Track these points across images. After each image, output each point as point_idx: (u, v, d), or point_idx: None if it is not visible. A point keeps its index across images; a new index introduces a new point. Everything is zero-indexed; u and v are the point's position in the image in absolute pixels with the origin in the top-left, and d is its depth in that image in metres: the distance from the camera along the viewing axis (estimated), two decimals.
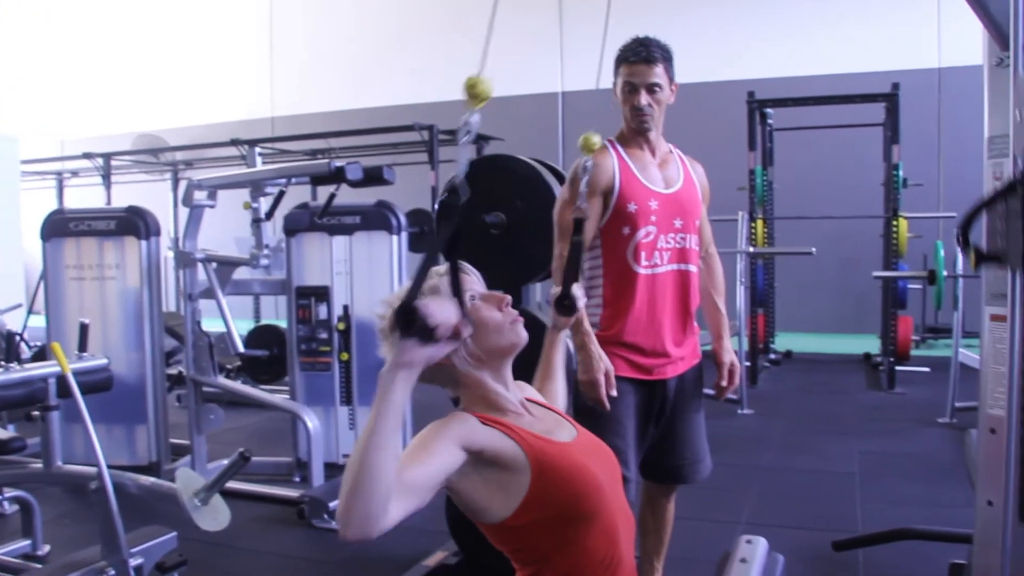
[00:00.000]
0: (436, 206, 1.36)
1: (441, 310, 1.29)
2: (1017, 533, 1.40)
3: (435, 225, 1.38)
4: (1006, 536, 1.47)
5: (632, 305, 2.51)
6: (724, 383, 2.71)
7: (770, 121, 8.27)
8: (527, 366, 1.80)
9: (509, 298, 1.54)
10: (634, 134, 2.60)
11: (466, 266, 1.54)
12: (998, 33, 1.56)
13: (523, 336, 1.53)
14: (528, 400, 1.61)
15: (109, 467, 2.67)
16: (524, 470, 1.42)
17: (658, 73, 2.50)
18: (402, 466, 1.28)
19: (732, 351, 2.74)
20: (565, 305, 1.88)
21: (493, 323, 1.50)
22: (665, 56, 2.52)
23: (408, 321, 1.24)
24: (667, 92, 2.55)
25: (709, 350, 2.74)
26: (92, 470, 2.69)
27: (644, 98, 2.51)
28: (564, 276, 1.97)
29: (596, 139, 2.01)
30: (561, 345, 1.93)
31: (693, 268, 2.63)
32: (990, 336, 1.73)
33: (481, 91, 1.27)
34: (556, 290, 1.91)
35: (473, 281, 1.54)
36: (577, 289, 1.90)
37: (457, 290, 1.39)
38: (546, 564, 1.47)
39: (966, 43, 1.71)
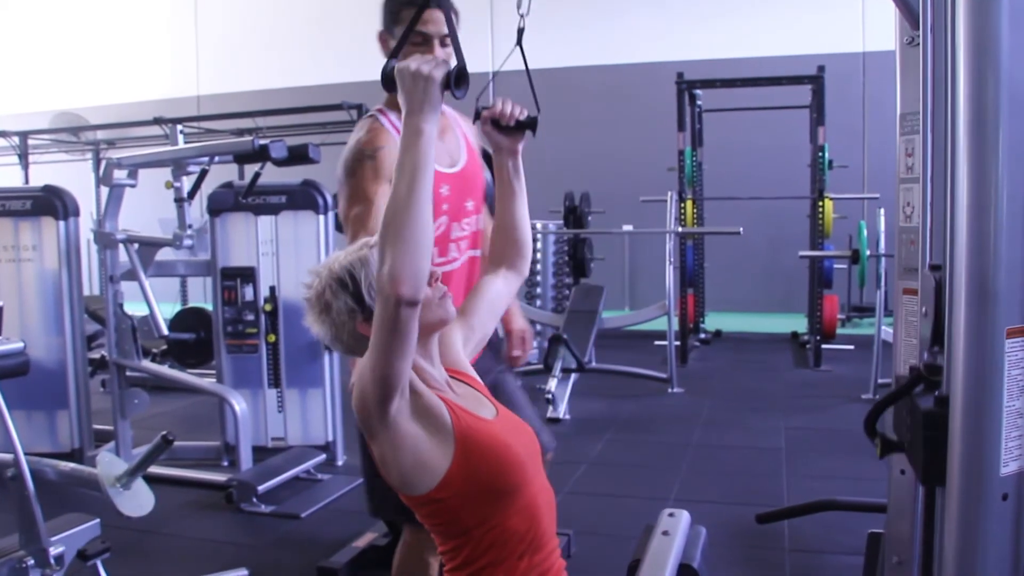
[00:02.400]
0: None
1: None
2: (927, 500, 1.44)
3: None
4: (916, 503, 1.52)
5: None
6: (517, 352, 2.50)
7: (699, 102, 8.33)
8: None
9: (440, 272, 1.53)
10: None
11: None
12: (909, 12, 1.59)
13: (452, 312, 1.52)
14: (451, 377, 1.61)
15: (30, 454, 2.61)
16: (449, 439, 1.43)
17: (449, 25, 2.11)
18: None
19: (523, 317, 2.55)
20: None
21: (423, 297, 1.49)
22: (454, 8, 2.18)
23: (461, 76, 1.40)
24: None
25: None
26: (8, 457, 2.61)
27: (440, 52, 2.12)
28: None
29: None
30: (511, 164, 1.72)
31: (480, 251, 2.38)
32: (902, 309, 1.77)
33: None
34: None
35: None
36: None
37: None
38: (467, 539, 1.47)
39: (888, 28, 1.74)
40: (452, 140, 2.31)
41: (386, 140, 2.13)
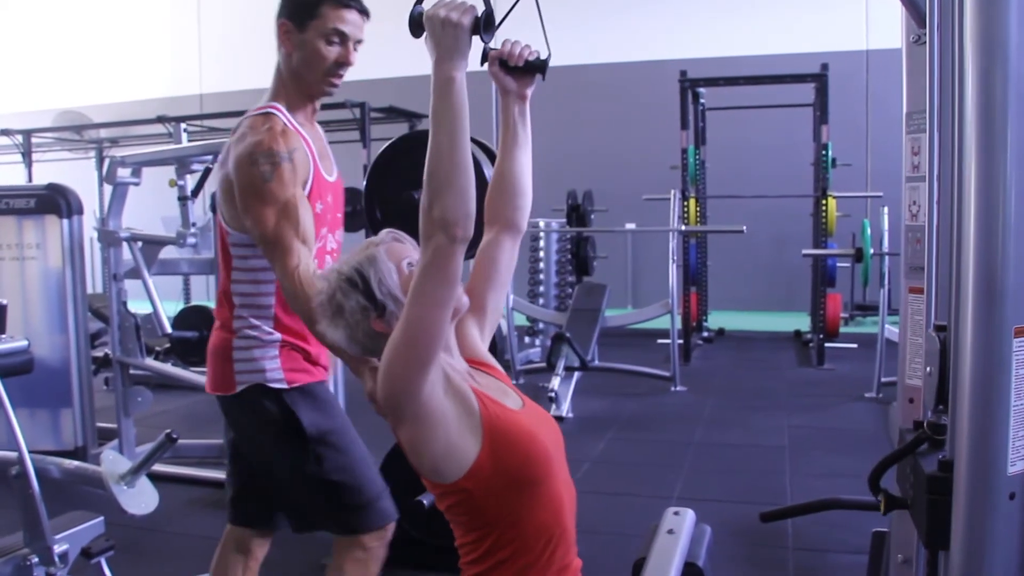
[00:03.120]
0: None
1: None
2: None
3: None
4: None
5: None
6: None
7: (702, 101, 8.33)
8: None
9: None
10: (305, 100, 2.14)
11: (402, 235, 1.55)
12: (915, 11, 1.59)
13: (464, 302, 1.51)
14: (473, 367, 1.59)
15: (34, 452, 2.61)
16: (477, 426, 1.43)
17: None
18: None
19: None
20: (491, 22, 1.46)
21: None
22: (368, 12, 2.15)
23: (490, 21, 1.42)
24: None
25: None
26: (13, 455, 2.61)
27: (354, 56, 2.10)
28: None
29: None
30: (518, 109, 1.65)
31: None
32: (908, 308, 1.77)
33: None
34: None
35: (409, 249, 1.54)
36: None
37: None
38: (492, 531, 1.47)
39: (891, 26, 1.74)
40: (325, 146, 2.24)
41: (297, 141, 2.02)
